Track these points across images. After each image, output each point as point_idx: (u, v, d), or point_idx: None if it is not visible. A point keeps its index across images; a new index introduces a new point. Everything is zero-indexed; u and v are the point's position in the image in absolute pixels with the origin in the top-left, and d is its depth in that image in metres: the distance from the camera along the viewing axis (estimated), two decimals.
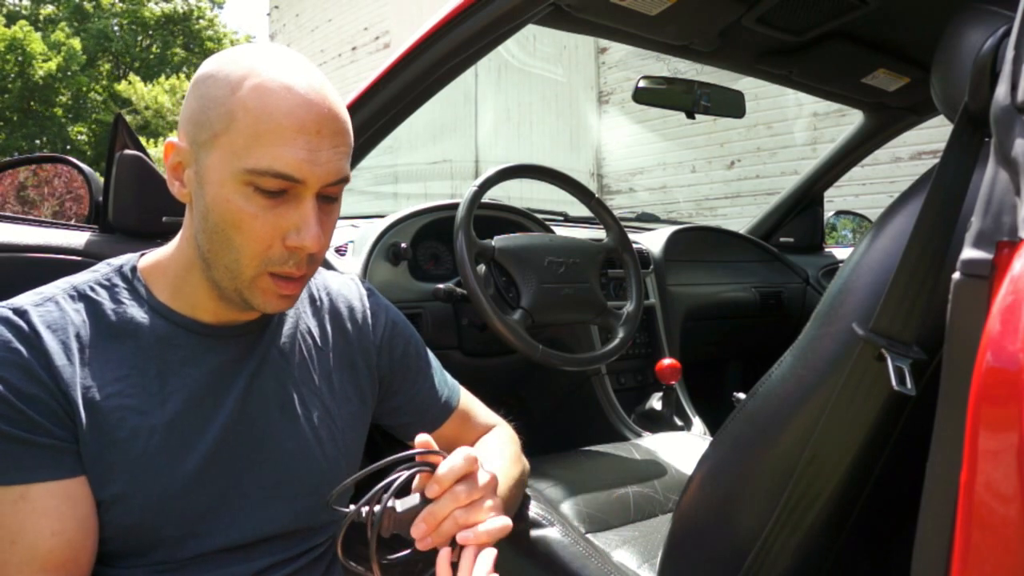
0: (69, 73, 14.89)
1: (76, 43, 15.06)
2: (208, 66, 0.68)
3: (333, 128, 0.66)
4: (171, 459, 0.68)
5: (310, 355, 0.80)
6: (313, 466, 0.77)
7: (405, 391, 0.89)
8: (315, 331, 0.82)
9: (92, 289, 0.70)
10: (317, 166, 0.64)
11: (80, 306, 0.69)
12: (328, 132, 0.65)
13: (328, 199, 0.69)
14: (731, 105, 1.70)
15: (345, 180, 0.69)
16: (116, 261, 0.74)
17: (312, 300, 0.84)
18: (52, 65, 14.52)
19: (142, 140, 1.54)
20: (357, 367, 0.84)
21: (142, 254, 0.76)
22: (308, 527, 0.78)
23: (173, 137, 0.69)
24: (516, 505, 0.89)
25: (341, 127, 0.67)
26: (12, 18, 14.90)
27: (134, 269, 0.73)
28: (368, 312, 0.88)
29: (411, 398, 0.89)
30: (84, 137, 15.56)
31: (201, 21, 17.05)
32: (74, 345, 0.66)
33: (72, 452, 0.65)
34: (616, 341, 1.42)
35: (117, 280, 0.72)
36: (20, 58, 14.07)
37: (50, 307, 0.67)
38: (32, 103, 14.88)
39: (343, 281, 0.89)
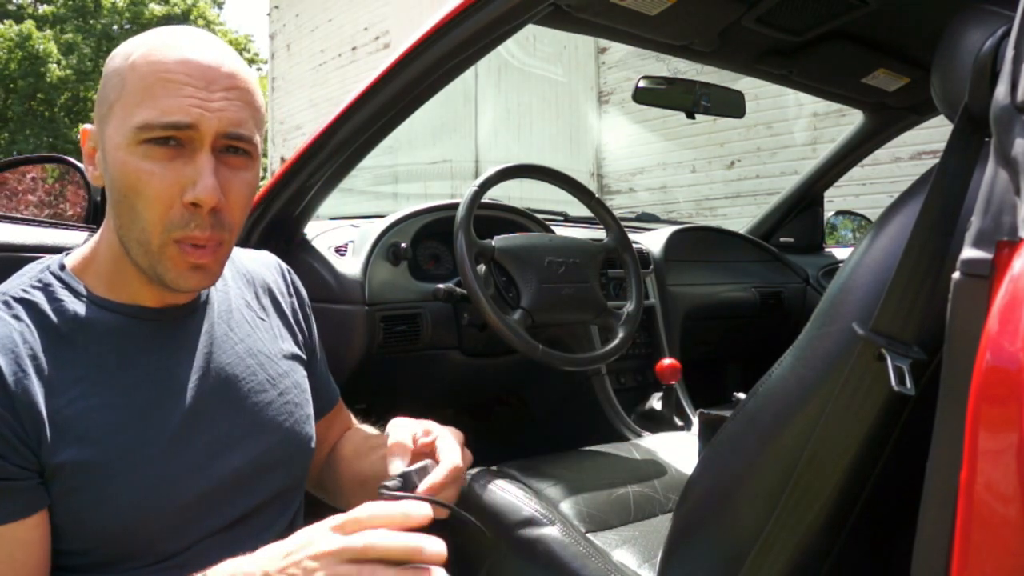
0: (78, 78, 14.89)
1: (84, 46, 15.05)
2: (115, 50, 0.69)
3: (227, 83, 0.65)
4: (148, 450, 0.66)
5: (254, 325, 0.80)
6: (290, 437, 0.78)
7: (317, 372, 0.89)
8: (252, 303, 0.82)
9: (26, 291, 0.67)
10: (208, 112, 0.63)
11: (19, 311, 0.66)
12: (221, 86, 0.64)
13: (231, 152, 0.66)
14: (731, 105, 1.70)
15: (247, 140, 0.66)
16: (42, 262, 0.72)
17: (238, 275, 0.84)
18: (69, 72, 14.50)
19: None
20: (295, 334, 0.86)
21: (67, 252, 0.73)
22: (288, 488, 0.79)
23: (89, 125, 0.70)
24: None
25: (237, 83, 0.66)
26: (17, 18, 14.86)
27: (63, 267, 0.71)
28: (290, 285, 0.89)
29: (319, 378, 0.90)
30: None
31: (200, 20, 17.04)
32: (24, 355, 0.63)
33: (29, 488, 0.62)
34: (616, 341, 1.42)
35: (49, 279, 0.69)
36: (30, 54, 14.04)
37: None
38: (33, 103, 14.87)
39: (256, 255, 0.89)
